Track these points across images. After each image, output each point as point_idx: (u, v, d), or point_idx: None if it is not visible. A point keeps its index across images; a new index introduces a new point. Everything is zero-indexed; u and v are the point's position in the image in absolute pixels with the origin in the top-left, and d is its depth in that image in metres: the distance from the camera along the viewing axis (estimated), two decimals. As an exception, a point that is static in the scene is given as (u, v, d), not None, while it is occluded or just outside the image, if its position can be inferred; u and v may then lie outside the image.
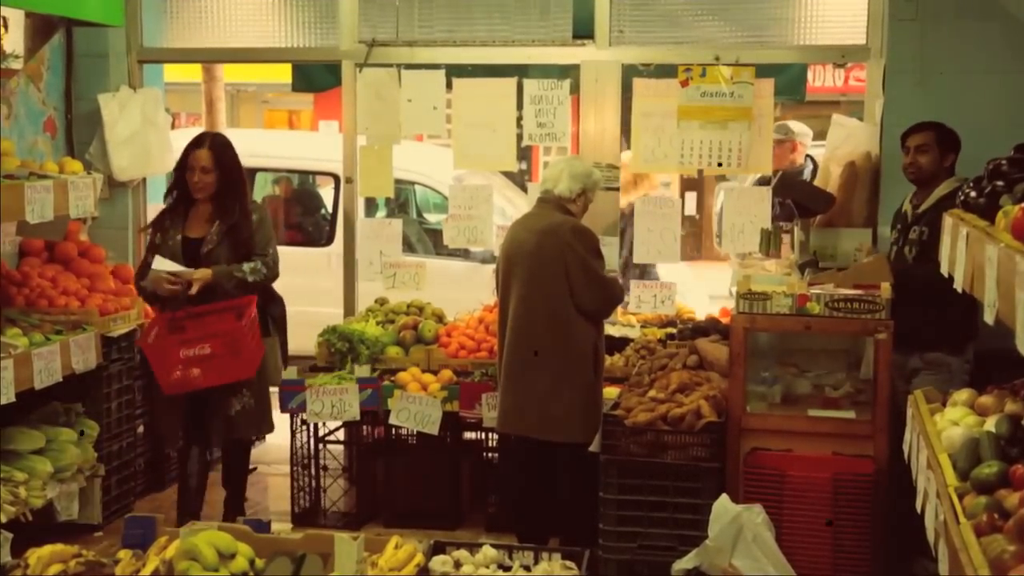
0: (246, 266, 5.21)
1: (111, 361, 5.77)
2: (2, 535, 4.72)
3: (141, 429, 6.12)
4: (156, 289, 5.19)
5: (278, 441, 7.08)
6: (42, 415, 5.48)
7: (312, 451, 5.93)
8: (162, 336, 5.15)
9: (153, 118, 6.61)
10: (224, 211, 5.25)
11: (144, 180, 6.82)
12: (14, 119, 6.05)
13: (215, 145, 5.29)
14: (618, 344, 5.93)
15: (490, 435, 5.90)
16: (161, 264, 5.17)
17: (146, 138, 6.56)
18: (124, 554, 3.20)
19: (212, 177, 5.22)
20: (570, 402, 4.94)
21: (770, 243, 5.90)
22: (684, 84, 6.05)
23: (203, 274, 5.13)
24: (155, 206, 6.99)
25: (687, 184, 15.85)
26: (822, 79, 14.01)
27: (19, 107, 6.09)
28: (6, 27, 6.26)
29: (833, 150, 6.02)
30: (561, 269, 4.92)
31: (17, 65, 6.25)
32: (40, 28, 6.40)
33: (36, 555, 3.02)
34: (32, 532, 4.78)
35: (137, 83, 6.69)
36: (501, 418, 5.14)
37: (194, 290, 5.09)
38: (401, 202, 9.48)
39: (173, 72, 7.48)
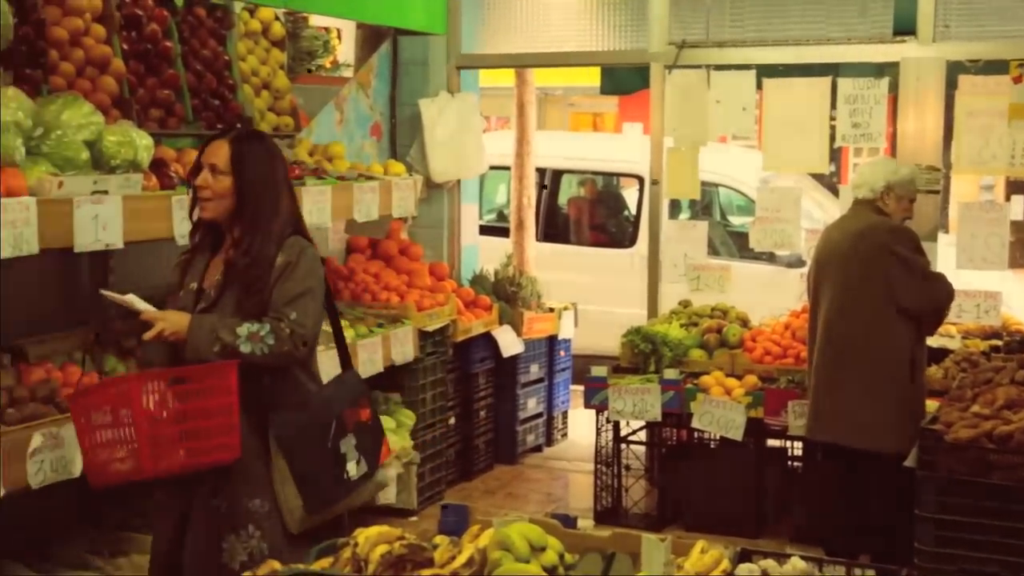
0: (244, 327, 3.29)
1: (426, 354, 6.03)
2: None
3: (452, 420, 6.37)
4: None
5: (580, 440, 7.22)
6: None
7: (614, 451, 5.98)
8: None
9: (468, 122, 6.87)
10: (234, 248, 3.42)
11: (458, 182, 7.10)
12: (344, 124, 6.45)
13: (239, 139, 3.43)
14: (936, 355, 5.63)
15: (794, 443, 5.75)
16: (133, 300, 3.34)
17: (462, 141, 6.82)
18: (441, 539, 3.31)
19: (226, 186, 3.37)
20: (883, 409, 4.75)
21: (1113, 251, 5.42)
22: (1017, 81, 5.68)
23: (172, 324, 3.29)
24: (467, 207, 7.28)
25: (1013, 187, 14.85)
26: None
27: (350, 112, 6.49)
28: (339, 38, 6.73)
29: None
30: (878, 271, 4.74)
31: (349, 73, 6.70)
32: (370, 38, 6.83)
33: (364, 535, 3.18)
34: (351, 514, 5.07)
35: (455, 88, 6.98)
36: (812, 423, 5.00)
37: (147, 335, 3.29)
38: (705, 204, 9.41)
39: (485, 77, 7.75)
